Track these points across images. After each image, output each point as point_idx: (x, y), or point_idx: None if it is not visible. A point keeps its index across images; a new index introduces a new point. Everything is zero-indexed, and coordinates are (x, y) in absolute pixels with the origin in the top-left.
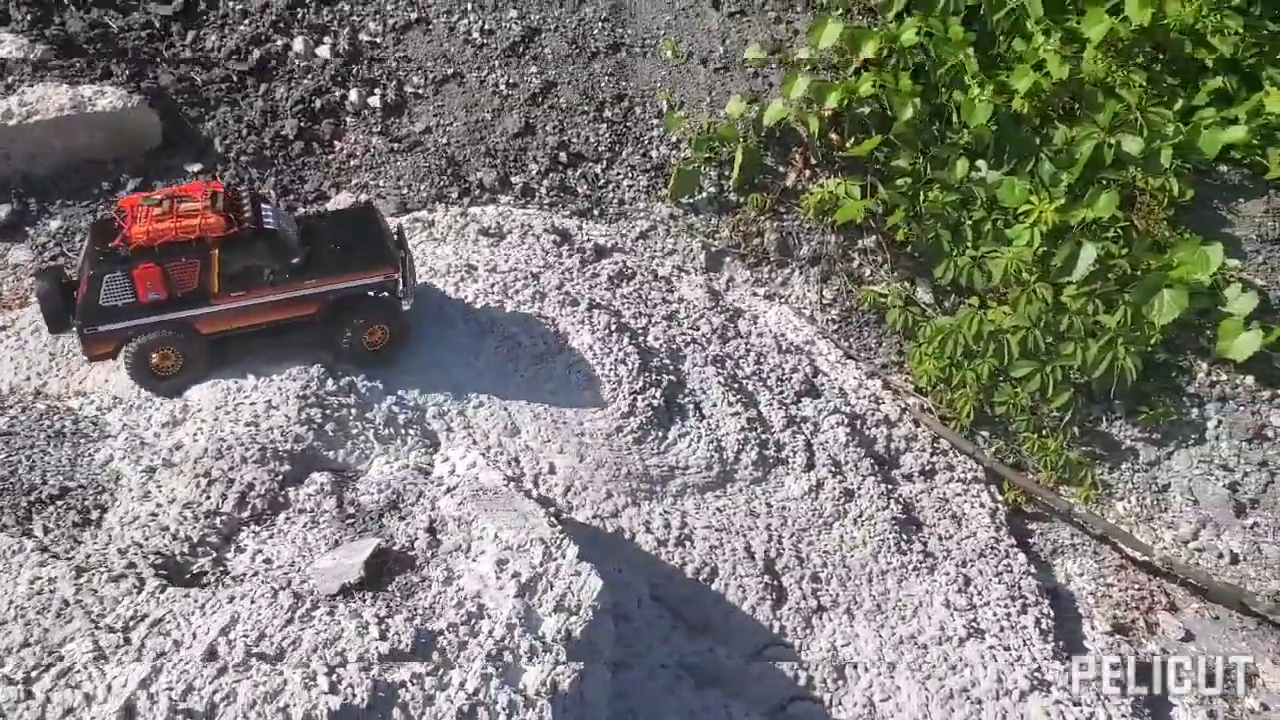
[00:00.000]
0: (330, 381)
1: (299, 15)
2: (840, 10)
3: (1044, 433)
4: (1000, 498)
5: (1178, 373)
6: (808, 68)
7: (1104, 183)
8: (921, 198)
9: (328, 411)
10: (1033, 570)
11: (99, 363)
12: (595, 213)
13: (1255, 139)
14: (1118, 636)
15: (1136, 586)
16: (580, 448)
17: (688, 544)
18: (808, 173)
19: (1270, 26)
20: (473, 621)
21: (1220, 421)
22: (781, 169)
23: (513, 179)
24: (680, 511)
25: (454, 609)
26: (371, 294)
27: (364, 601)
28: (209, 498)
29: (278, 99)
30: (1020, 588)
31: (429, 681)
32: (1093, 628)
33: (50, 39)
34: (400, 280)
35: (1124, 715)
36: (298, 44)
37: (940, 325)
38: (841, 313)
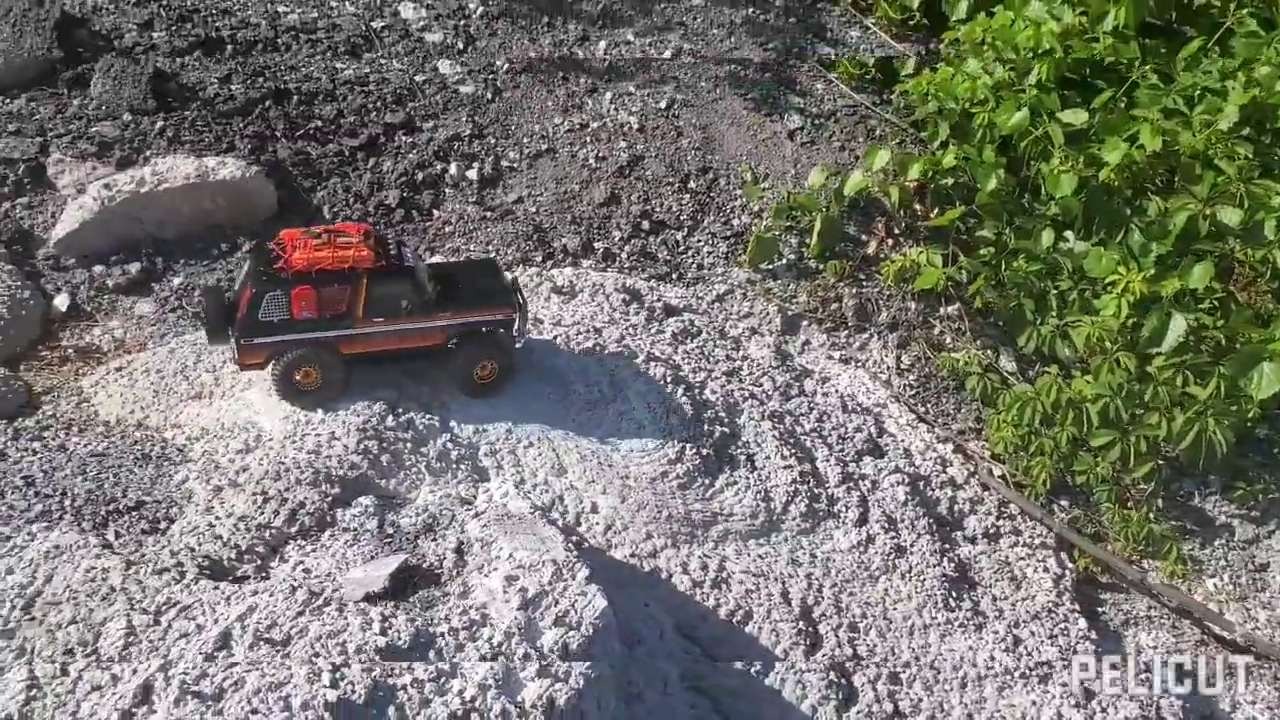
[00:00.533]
0: (390, 418)
1: (455, 147)
2: (896, 140)
3: (1127, 504)
4: (1070, 565)
5: None
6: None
7: (1199, 255)
8: (1004, 267)
9: (384, 444)
10: (1093, 636)
11: (250, 371)
12: (674, 276)
13: None
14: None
15: (1216, 665)
16: (624, 490)
17: (724, 586)
18: (890, 241)
19: None
20: (474, 628)
21: None
22: (863, 237)
23: (595, 244)
24: (720, 556)
25: (459, 615)
26: (488, 330)
27: (379, 606)
28: (263, 513)
29: (384, 171)
30: (1075, 650)
31: (428, 686)
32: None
33: (265, 164)
34: (515, 321)
35: None
36: (453, 168)
37: (1019, 393)
38: (919, 379)
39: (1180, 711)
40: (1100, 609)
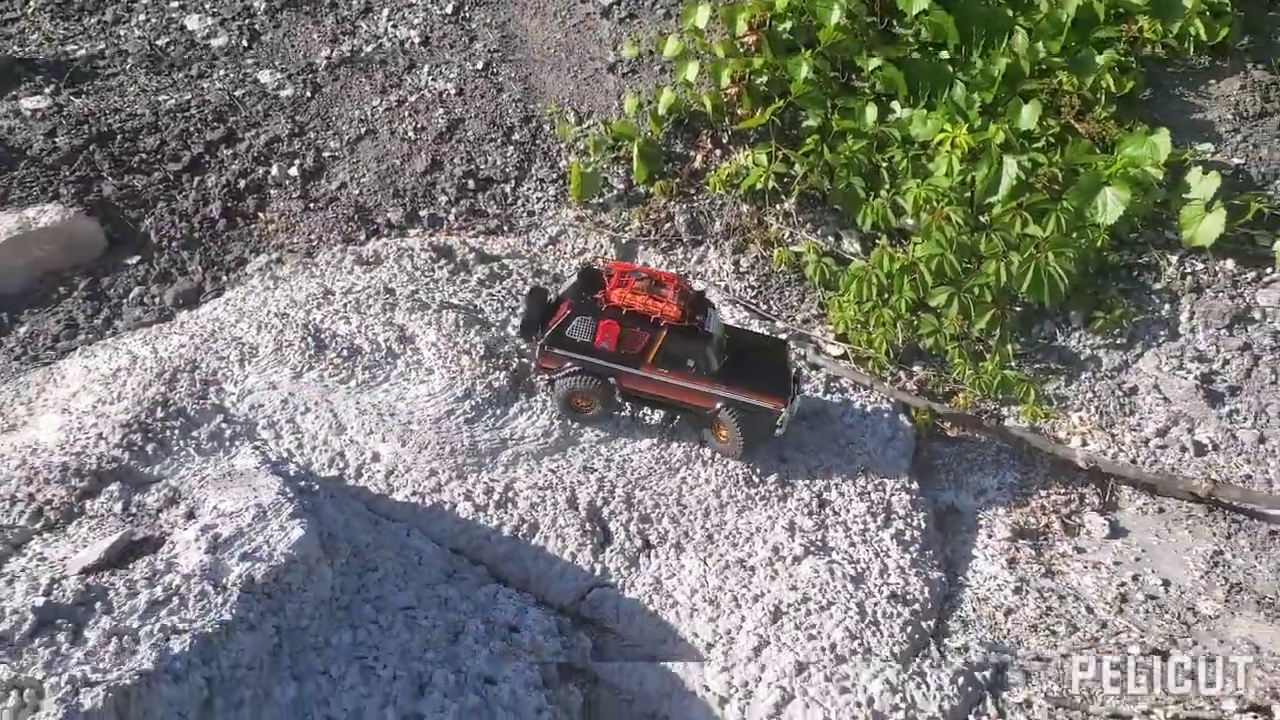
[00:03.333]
0: (160, 410)
1: (276, 148)
2: None
3: (981, 357)
4: (908, 424)
5: (1141, 271)
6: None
7: (1026, 95)
8: (831, 151)
9: (150, 434)
10: (911, 486)
11: (541, 376)
12: (505, 228)
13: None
14: (1019, 540)
15: (1062, 492)
16: (405, 435)
17: (509, 506)
18: (718, 152)
19: None
20: (156, 577)
21: (1194, 313)
22: (691, 154)
23: (420, 212)
24: (509, 479)
25: (143, 568)
26: (753, 412)
27: (90, 577)
28: (8, 516)
29: (208, 187)
30: (889, 505)
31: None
32: (990, 535)
33: (88, 205)
34: (782, 414)
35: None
36: (274, 169)
37: (854, 270)
38: (759, 278)
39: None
40: (939, 461)
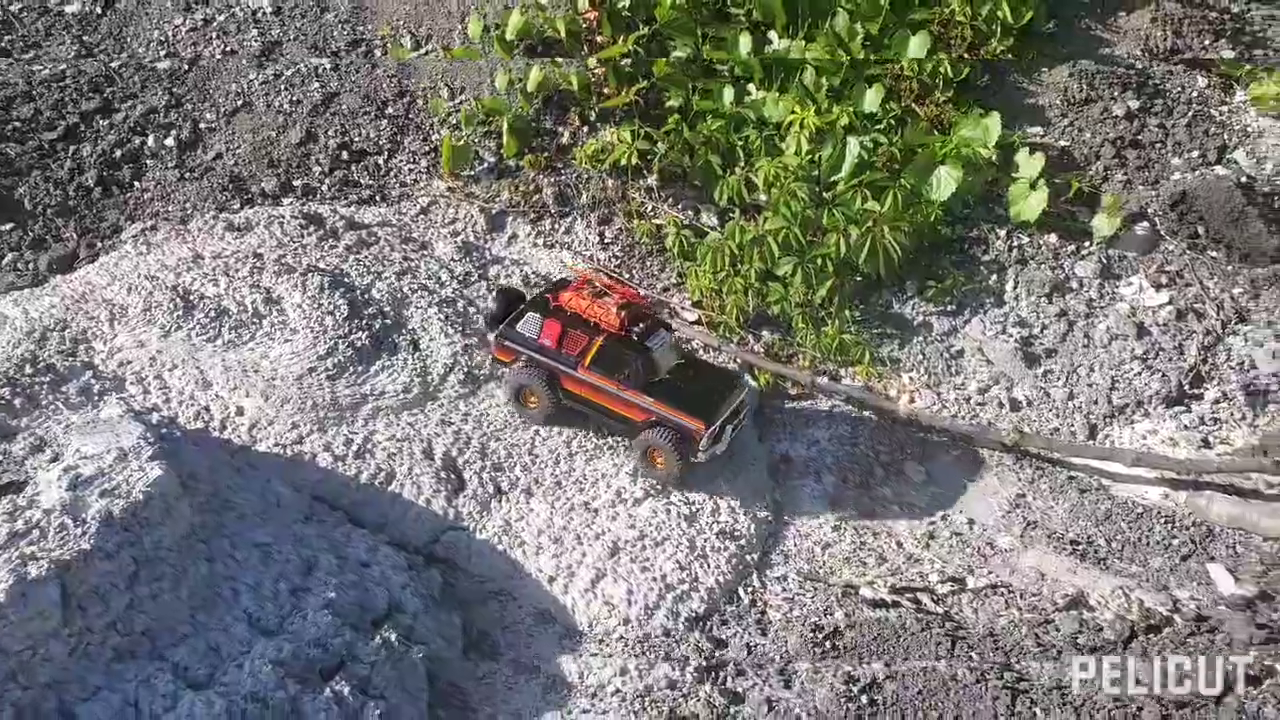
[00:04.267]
0: (29, 366)
1: (152, 119)
2: None
3: (823, 323)
4: (751, 383)
5: (972, 244)
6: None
7: (868, 80)
8: (687, 130)
9: (18, 389)
10: (751, 438)
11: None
12: (377, 199)
13: None
14: (844, 485)
15: (885, 444)
16: (268, 390)
17: (367, 456)
18: (585, 129)
19: None
20: (17, 513)
21: (1018, 282)
22: (560, 130)
23: (294, 182)
24: (368, 431)
25: (6, 504)
26: (676, 432)
27: None
28: None
29: (84, 156)
30: (729, 454)
31: None
32: (818, 481)
33: None
34: (701, 438)
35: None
36: (150, 140)
37: (710, 241)
38: (623, 249)
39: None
40: (779, 415)
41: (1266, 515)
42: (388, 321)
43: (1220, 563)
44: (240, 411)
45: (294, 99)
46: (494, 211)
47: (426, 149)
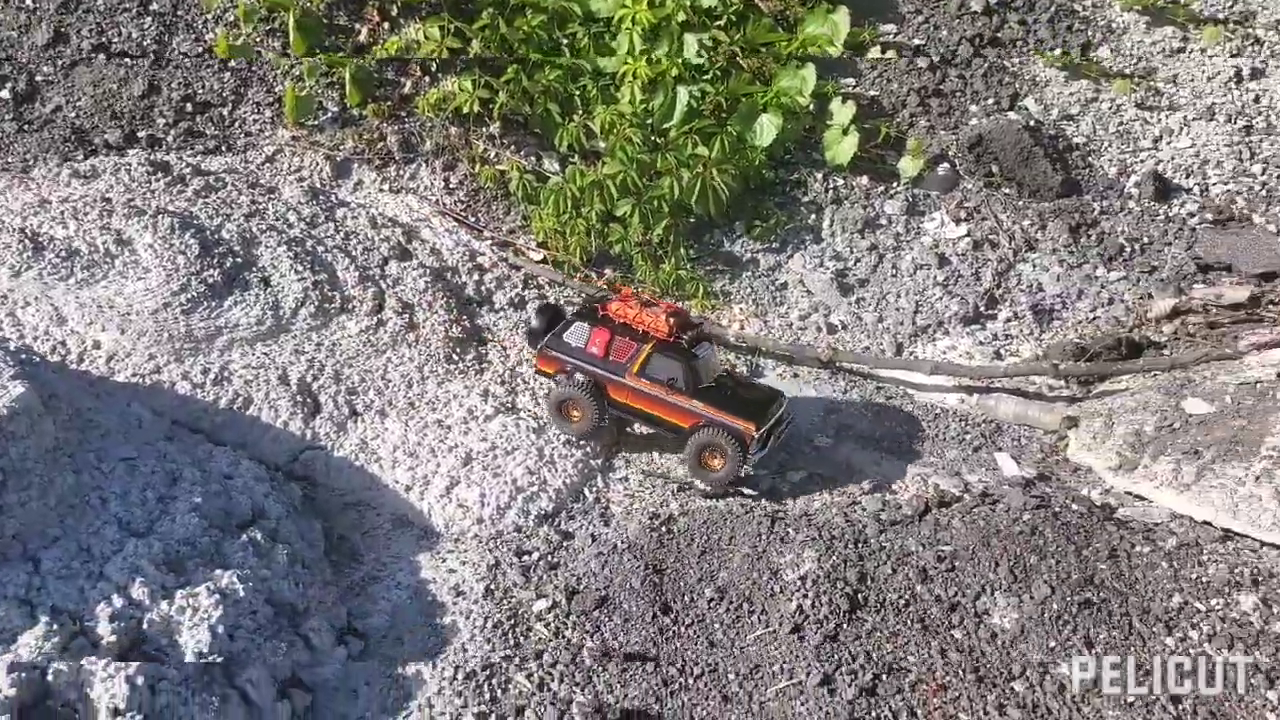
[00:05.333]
0: None
1: None
2: None
3: (661, 261)
4: None
5: (793, 186)
6: None
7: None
8: (525, 80)
9: None
10: None
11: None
12: (224, 149)
13: None
14: None
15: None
16: (124, 324)
17: (225, 383)
18: (385, 25)
19: None
20: None
21: (834, 220)
22: (356, 26)
23: (139, 134)
24: (224, 361)
25: None
26: (728, 436)
27: None
28: None
29: None
30: None
31: None
32: None
33: None
34: (751, 442)
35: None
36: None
37: (552, 185)
38: (468, 194)
39: None
40: None
41: (1046, 412)
42: (238, 260)
43: (1006, 451)
44: (97, 345)
45: (132, 51)
46: (339, 159)
47: (270, 100)
